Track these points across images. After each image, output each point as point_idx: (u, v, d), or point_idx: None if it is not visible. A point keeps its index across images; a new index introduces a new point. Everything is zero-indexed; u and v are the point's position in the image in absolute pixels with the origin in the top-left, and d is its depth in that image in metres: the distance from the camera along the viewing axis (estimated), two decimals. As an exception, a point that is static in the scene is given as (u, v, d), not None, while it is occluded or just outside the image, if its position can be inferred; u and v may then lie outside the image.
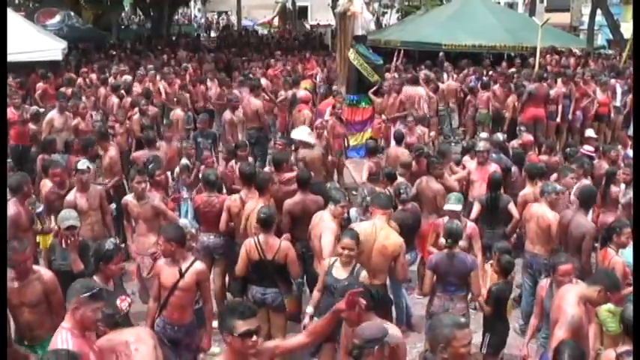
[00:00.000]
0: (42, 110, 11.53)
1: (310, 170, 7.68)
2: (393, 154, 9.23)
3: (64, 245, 5.58)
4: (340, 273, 5.11)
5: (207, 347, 5.35)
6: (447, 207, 6.56)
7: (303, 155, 8.85)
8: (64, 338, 3.76)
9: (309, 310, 5.29)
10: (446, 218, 6.46)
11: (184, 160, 8.72)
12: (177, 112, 11.54)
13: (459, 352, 3.46)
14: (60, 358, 3.37)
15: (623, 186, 7.78)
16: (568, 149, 9.37)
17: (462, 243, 6.06)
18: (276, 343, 3.88)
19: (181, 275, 5.01)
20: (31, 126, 10.53)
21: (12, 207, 6.21)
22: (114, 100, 12.23)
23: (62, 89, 12.87)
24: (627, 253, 5.97)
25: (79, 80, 14.93)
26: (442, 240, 6.09)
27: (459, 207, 6.55)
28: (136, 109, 11.26)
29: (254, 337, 3.33)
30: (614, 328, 5.61)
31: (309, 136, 9.21)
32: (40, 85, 13.88)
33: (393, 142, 9.83)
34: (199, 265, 5.15)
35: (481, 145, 8.40)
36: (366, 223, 5.70)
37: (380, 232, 5.56)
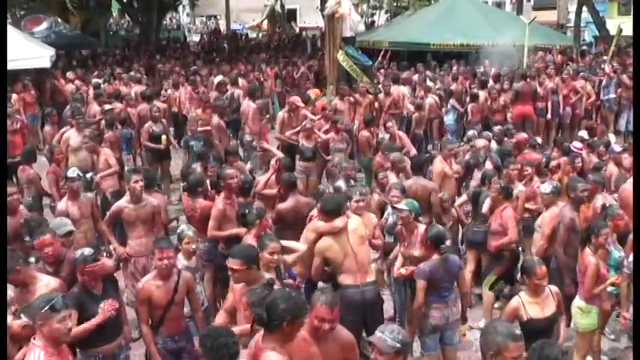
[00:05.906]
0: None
1: None
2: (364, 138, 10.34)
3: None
4: None
5: None
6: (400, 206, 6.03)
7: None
8: (36, 356, 3.67)
9: None
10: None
11: None
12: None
13: None
14: None
15: (520, 185, 7.60)
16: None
17: (416, 253, 5.82)
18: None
19: (176, 290, 4.97)
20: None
21: None
22: (95, 108, 11.75)
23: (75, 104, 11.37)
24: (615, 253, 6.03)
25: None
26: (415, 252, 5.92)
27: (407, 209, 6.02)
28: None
29: None
30: (583, 325, 5.59)
31: None
32: (22, 95, 13.52)
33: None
34: (185, 274, 5.12)
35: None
36: (327, 237, 5.38)
37: (347, 226, 5.38)
